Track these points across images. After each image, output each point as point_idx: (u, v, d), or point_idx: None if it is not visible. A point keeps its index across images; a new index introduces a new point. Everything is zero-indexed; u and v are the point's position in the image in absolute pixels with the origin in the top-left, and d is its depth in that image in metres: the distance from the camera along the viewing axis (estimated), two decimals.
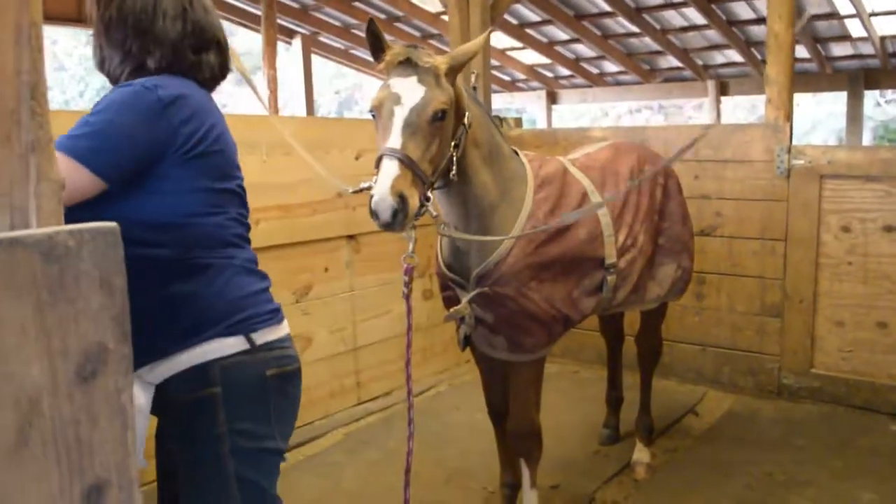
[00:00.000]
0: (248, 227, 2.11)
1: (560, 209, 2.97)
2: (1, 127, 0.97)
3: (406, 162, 2.40)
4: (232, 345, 1.93)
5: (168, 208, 1.88)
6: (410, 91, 2.51)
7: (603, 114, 27.31)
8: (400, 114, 2.48)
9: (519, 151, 3.10)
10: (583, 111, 25.99)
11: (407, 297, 2.60)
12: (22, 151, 0.99)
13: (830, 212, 4.61)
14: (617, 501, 3.62)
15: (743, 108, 25.42)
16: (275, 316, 2.03)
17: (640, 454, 3.94)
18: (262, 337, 1.98)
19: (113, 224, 1.01)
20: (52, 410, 0.95)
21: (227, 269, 1.97)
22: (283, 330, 2.06)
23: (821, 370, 4.75)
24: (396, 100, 2.51)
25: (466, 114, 2.70)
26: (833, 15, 9.61)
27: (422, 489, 3.62)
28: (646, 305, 3.68)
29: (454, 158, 2.65)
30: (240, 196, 2.08)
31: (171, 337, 1.89)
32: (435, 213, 2.59)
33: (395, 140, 2.44)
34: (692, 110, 25.61)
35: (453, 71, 2.61)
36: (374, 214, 2.35)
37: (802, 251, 4.70)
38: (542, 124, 14.32)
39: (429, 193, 2.52)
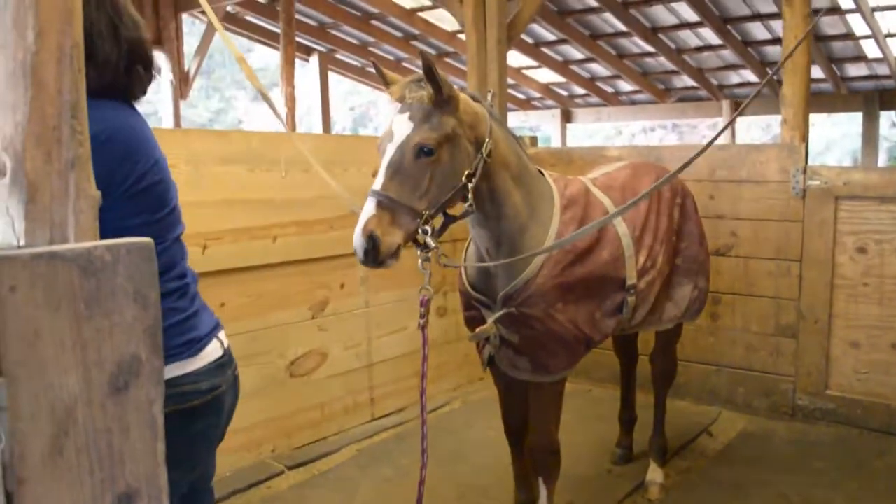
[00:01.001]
0: (181, 241, 2.09)
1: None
2: (43, 144, 1.00)
3: (385, 202, 2.49)
4: None
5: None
6: (401, 128, 2.57)
7: (617, 132, 27.33)
8: (388, 152, 2.56)
9: (543, 171, 3.12)
10: (596, 129, 26.02)
11: (423, 328, 2.61)
12: (62, 168, 1.02)
13: (846, 233, 4.61)
14: None
15: (757, 128, 25.39)
16: (188, 349, 1.95)
17: (654, 474, 3.93)
18: (168, 373, 1.83)
19: (147, 239, 1.04)
20: (86, 420, 0.98)
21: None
22: (198, 362, 1.98)
23: (836, 391, 4.73)
24: (390, 137, 2.58)
25: (487, 140, 2.70)
26: (849, 36, 9.62)
27: None
28: (663, 326, 3.68)
29: (469, 187, 2.66)
30: (177, 214, 2.05)
31: None
32: (434, 246, 2.60)
33: (378, 180, 2.53)
34: (707, 129, 25.59)
35: (443, 101, 2.59)
36: (355, 253, 2.51)
37: (818, 272, 4.70)
38: (556, 143, 14.35)
39: (426, 227, 2.56)
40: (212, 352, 2.02)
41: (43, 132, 1.00)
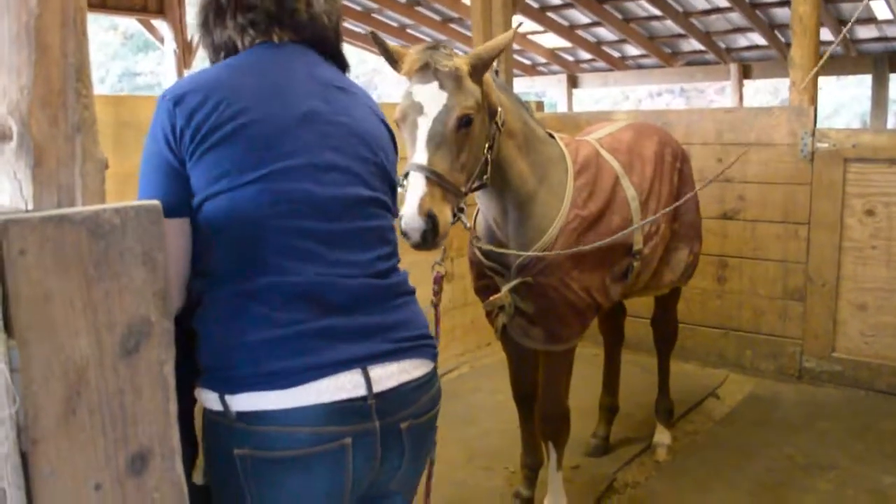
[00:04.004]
0: (317, 235, 1.54)
1: (595, 195, 2.95)
2: (48, 108, 1.00)
3: (433, 178, 2.33)
4: (210, 400, 1.49)
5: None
6: (432, 98, 2.41)
7: (623, 97, 27.15)
8: (424, 125, 2.40)
9: (554, 134, 3.06)
10: (603, 95, 25.86)
11: (436, 305, 2.51)
12: (68, 131, 1.02)
13: (854, 195, 4.59)
14: (638, 482, 3.65)
15: (766, 92, 25.20)
16: (277, 380, 1.44)
17: (661, 436, 3.95)
18: (243, 403, 1.45)
19: (156, 202, 1.04)
20: (99, 381, 0.99)
21: (233, 301, 1.49)
22: (295, 397, 1.45)
23: (843, 354, 4.74)
24: (419, 109, 2.42)
25: (499, 110, 2.62)
26: None
27: (443, 468, 3.65)
28: (660, 291, 3.69)
29: (489, 160, 2.58)
30: (305, 191, 1.53)
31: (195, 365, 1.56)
32: (468, 225, 2.52)
33: (420, 155, 2.36)
34: (714, 94, 25.41)
35: (477, 70, 2.50)
36: (405, 235, 2.27)
37: (826, 235, 4.69)
38: (562, 108, 14.27)
39: (462, 204, 2.47)
40: (332, 388, 1.47)
41: (48, 96, 1.00)
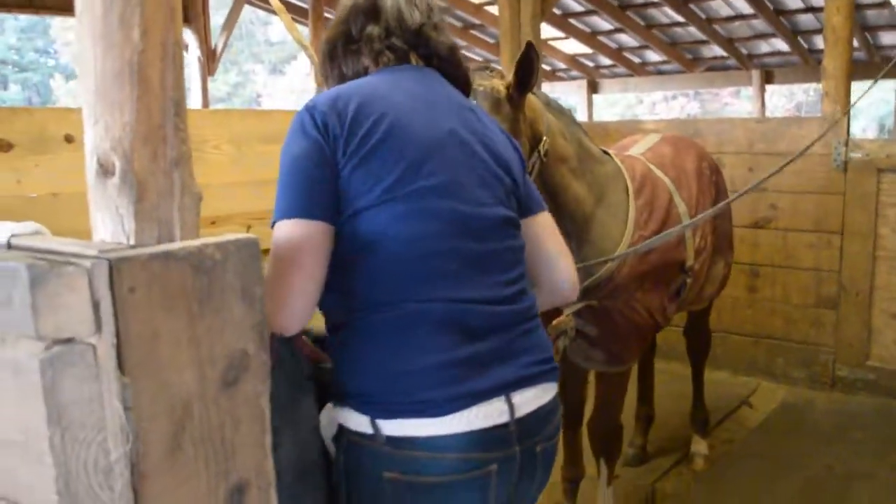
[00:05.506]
0: (463, 255, 1.54)
1: (653, 214, 2.90)
2: (149, 143, 1.01)
3: None
4: (358, 423, 1.51)
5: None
6: None
7: (637, 101, 27.06)
8: None
9: (609, 151, 3.00)
10: (617, 99, 25.79)
11: None
12: (167, 166, 1.03)
13: (888, 205, 4.55)
14: (678, 492, 3.63)
15: (781, 95, 25.10)
16: (429, 408, 1.46)
17: (698, 446, 3.94)
18: (395, 429, 1.47)
19: (254, 236, 1.05)
20: (201, 415, 1.00)
21: (384, 328, 1.50)
22: (446, 425, 1.46)
23: (876, 362, 4.71)
24: None
25: (544, 139, 2.54)
26: (884, 4, 9.45)
27: None
28: (700, 305, 3.66)
29: None
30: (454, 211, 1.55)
31: (335, 384, 1.58)
32: None
33: None
34: (729, 97, 25.33)
35: (518, 92, 2.42)
36: None
37: (859, 244, 4.65)
38: (581, 113, 14.24)
39: None
40: (481, 416, 1.49)
41: (149, 131, 1.01)
